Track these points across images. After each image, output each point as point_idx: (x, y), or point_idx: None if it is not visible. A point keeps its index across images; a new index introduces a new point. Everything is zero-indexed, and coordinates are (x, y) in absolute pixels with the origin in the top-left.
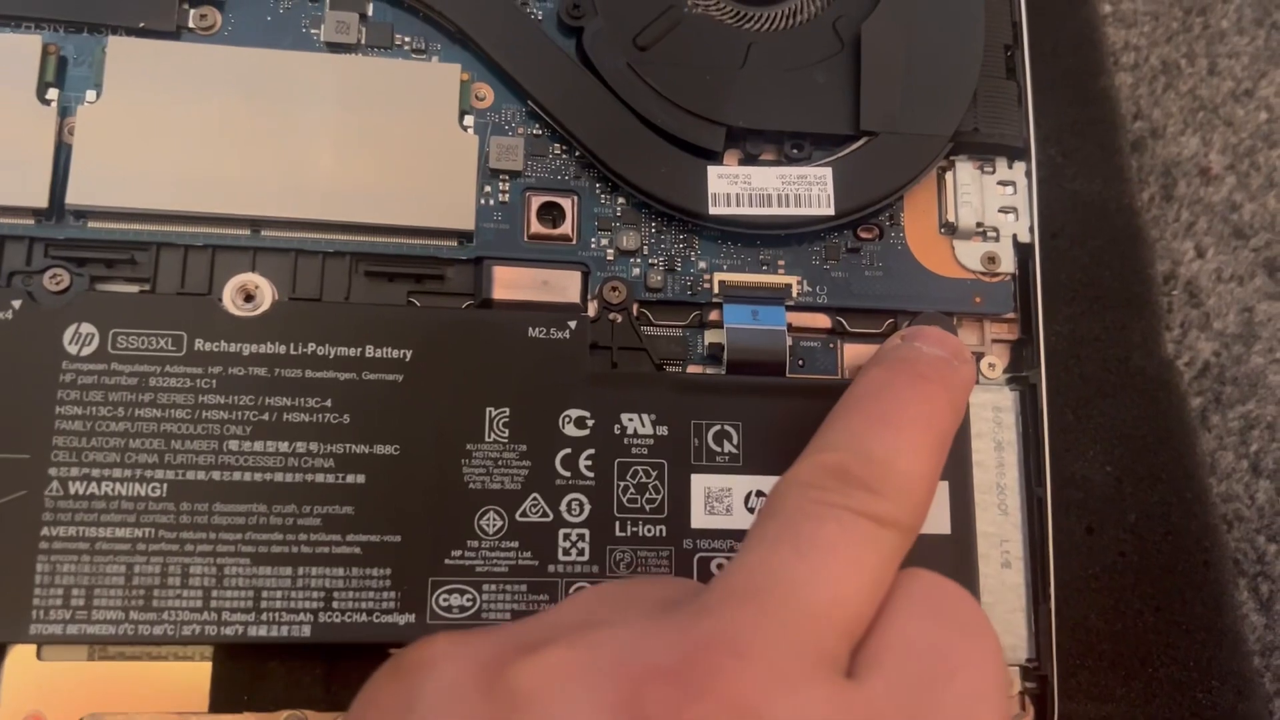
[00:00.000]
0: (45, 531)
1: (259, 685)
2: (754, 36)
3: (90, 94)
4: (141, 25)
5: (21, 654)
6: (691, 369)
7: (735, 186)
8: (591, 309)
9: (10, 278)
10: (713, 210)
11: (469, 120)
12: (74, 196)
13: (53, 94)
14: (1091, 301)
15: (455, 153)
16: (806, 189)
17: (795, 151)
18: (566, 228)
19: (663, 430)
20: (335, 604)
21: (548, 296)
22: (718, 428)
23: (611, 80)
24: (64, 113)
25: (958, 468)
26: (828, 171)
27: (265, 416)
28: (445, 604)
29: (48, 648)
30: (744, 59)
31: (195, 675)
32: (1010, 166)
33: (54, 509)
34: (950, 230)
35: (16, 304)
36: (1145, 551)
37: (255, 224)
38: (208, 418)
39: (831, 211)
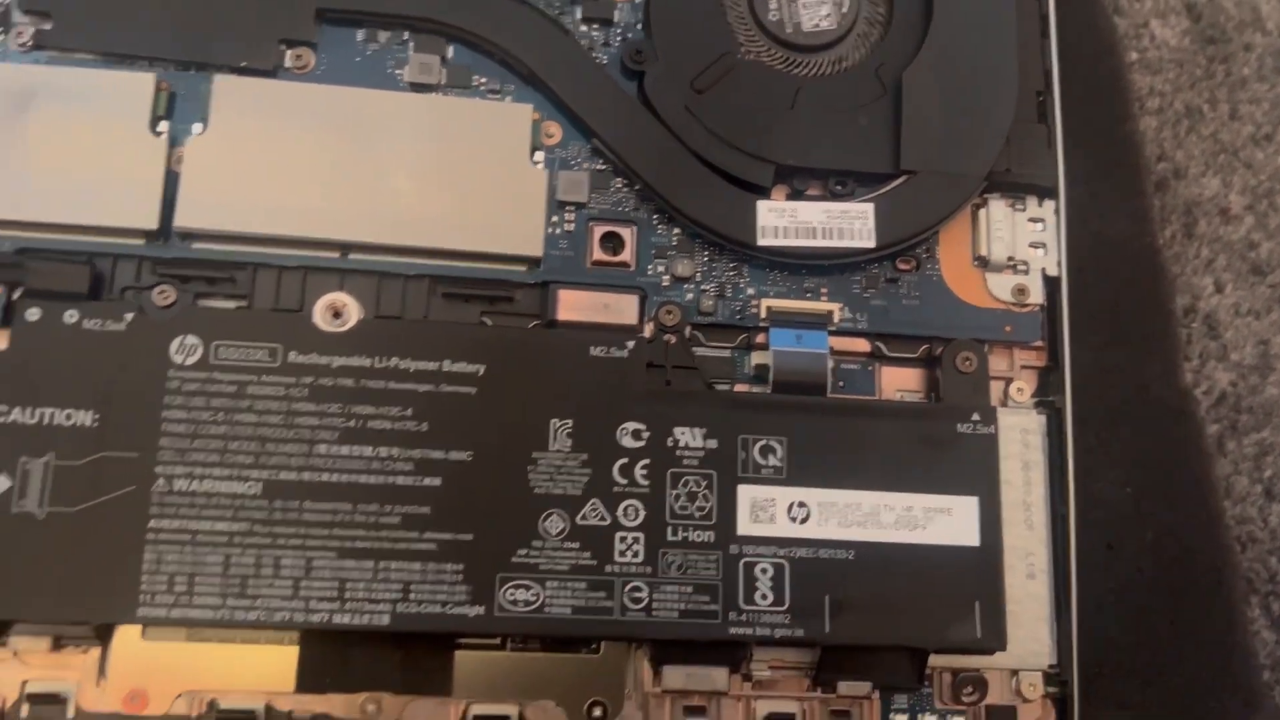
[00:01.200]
0: (152, 524)
1: (341, 669)
2: (802, 81)
3: (197, 126)
4: (243, 65)
5: (127, 634)
6: (739, 388)
7: (783, 220)
8: (647, 330)
9: (123, 292)
10: (761, 241)
11: (539, 156)
12: (182, 220)
13: (163, 126)
14: (1115, 332)
15: (526, 185)
16: (849, 223)
17: (839, 188)
18: (626, 255)
19: (712, 443)
20: (412, 595)
21: (607, 318)
22: (763, 442)
23: (670, 120)
24: (173, 143)
25: (987, 484)
26: (869, 207)
27: (351, 423)
28: (511, 599)
29: (151, 629)
30: (793, 101)
31: (283, 658)
32: (1040, 205)
33: (160, 503)
34: (983, 263)
35: (129, 317)
36: (1162, 568)
37: (344, 247)
38: (299, 423)
39: (872, 244)
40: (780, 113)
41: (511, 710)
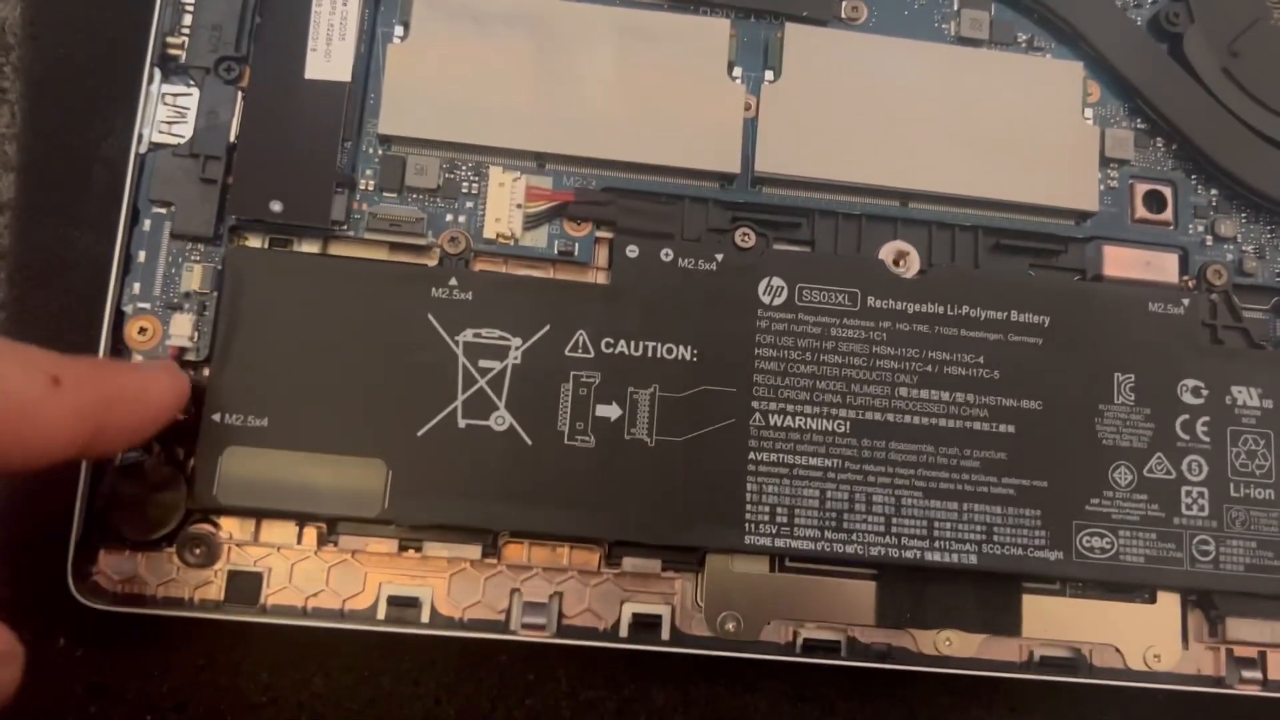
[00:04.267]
0: (752, 456)
1: (919, 606)
2: None
3: (768, 74)
4: (805, 14)
5: (717, 563)
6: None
7: None
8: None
9: (707, 234)
10: None
11: (1089, 113)
12: (761, 165)
13: (737, 72)
14: None
15: (1079, 141)
16: None
17: None
18: (1167, 214)
19: (1269, 404)
20: (995, 538)
21: (1149, 276)
22: None
23: (1208, 81)
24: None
25: None
26: None
27: (929, 368)
28: (1088, 545)
29: (738, 559)
30: None
31: (862, 593)
32: None
33: (758, 437)
34: None
35: (719, 257)
36: None
37: (904, 196)
38: (880, 366)
39: None
40: None
41: (1074, 653)
